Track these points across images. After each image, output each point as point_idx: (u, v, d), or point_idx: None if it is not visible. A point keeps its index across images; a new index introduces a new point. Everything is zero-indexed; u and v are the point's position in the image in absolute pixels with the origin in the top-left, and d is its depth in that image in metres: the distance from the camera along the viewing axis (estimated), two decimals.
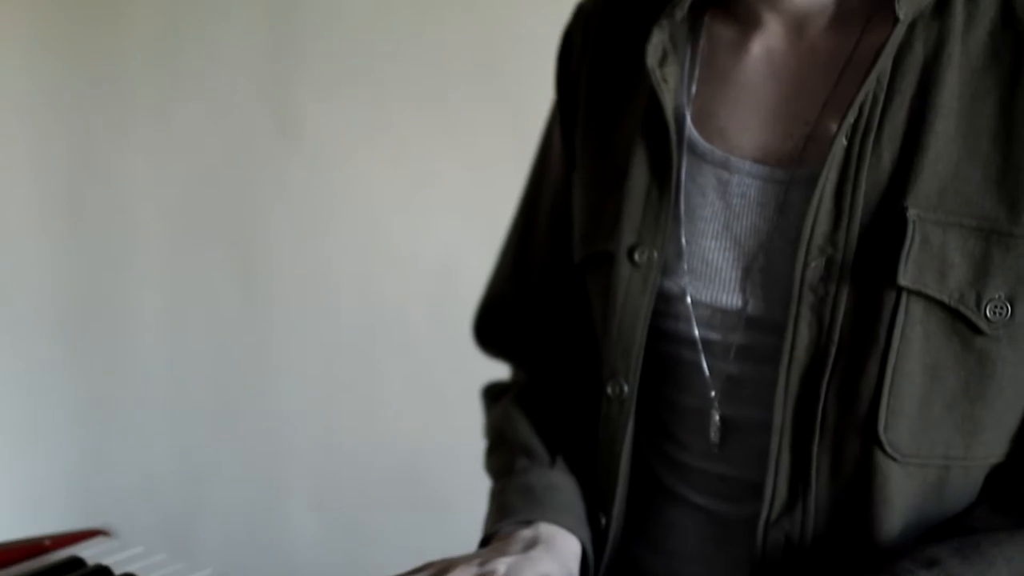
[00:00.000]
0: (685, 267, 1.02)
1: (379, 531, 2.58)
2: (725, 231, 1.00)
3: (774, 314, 0.97)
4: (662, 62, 1.03)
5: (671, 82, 1.03)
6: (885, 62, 0.92)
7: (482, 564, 0.95)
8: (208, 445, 2.94)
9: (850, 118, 0.92)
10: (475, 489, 1.14)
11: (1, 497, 3.21)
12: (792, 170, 0.97)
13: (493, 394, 1.27)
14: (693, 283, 1.02)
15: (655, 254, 1.02)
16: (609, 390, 1.06)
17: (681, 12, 1.02)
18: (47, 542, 1.08)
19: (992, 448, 0.94)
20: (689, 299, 1.02)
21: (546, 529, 1.03)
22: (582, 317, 1.14)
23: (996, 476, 0.95)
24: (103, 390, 3.11)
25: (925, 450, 0.92)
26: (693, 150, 1.03)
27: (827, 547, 0.96)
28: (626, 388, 1.05)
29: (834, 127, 0.95)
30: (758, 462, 0.98)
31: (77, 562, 1.04)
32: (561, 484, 1.09)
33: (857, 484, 0.94)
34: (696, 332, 1.02)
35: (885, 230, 0.91)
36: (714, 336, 1.02)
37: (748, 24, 1.03)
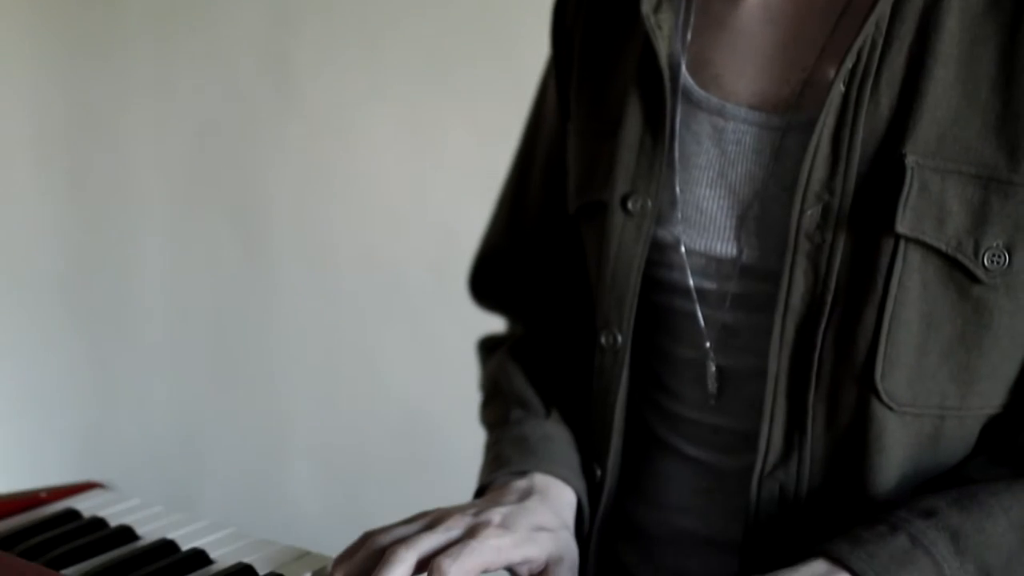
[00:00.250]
0: (679, 216, 1.01)
1: (380, 493, 2.59)
2: (720, 179, 1.00)
3: (769, 262, 0.96)
4: (656, 9, 1.02)
5: (665, 29, 1.02)
6: (884, 7, 0.90)
7: (476, 514, 0.94)
8: (209, 408, 2.95)
9: (848, 64, 0.91)
10: (476, 450, 1.14)
11: (2, 461, 3.22)
12: (788, 116, 0.96)
13: (489, 347, 1.27)
14: (687, 232, 1.01)
15: (649, 203, 1.02)
16: (603, 340, 1.06)
17: None
18: (43, 494, 1.08)
19: (988, 399, 0.93)
20: (683, 248, 1.01)
21: (541, 480, 1.03)
22: (577, 269, 1.14)
23: (993, 427, 0.95)
24: (105, 353, 3.12)
25: (921, 400, 0.92)
26: (688, 97, 1.02)
27: (822, 498, 0.95)
28: (619, 338, 1.04)
29: (832, 73, 0.94)
30: (752, 412, 0.98)
31: (73, 514, 1.04)
32: (556, 435, 1.09)
33: (853, 434, 0.93)
34: (690, 281, 1.02)
35: (883, 177, 0.90)
36: (709, 285, 1.01)
37: None
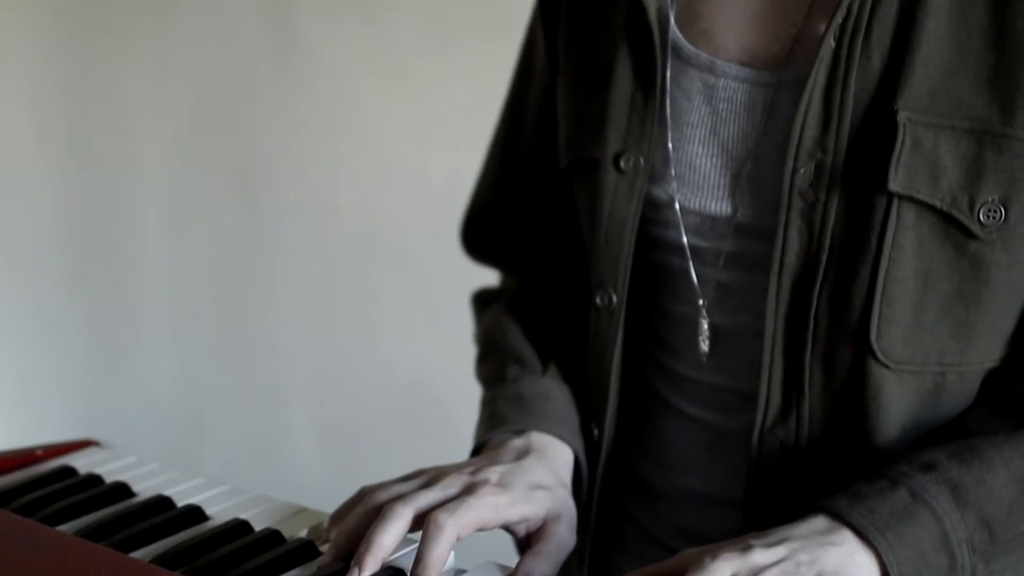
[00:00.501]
0: (673, 173, 1.01)
1: (380, 457, 2.59)
2: (712, 136, 0.99)
3: (764, 221, 0.95)
4: None
5: None
6: None
7: (473, 473, 0.95)
8: (210, 372, 2.95)
9: (838, 18, 0.90)
10: (476, 416, 1.14)
11: (2, 424, 3.23)
12: (779, 73, 0.95)
13: (483, 300, 1.26)
14: (681, 190, 1.01)
15: (641, 161, 1.01)
16: (598, 300, 1.06)
17: None
18: (39, 452, 1.08)
19: (988, 353, 0.93)
20: (678, 206, 1.01)
21: (538, 438, 1.03)
22: (570, 222, 1.13)
23: (993, 380, 0.95)
24: (105, 318, 3.12)
25: (919, 357, 0.92)
26: (677, 53, 1.01)
27: (823, 454, 0.95)
28: (615, 298, 1.04)
29: (822, 28, 0.93)
30: (750, 371, 0.98)
31: (69, 471, 1.05)
32: (553, 392, 1.09)
33: (851, 392, 0.93)
34: (685, 239, 1.01)
35: (875, 134, 0.90)
36: (703, 243, 1.01)
37: None
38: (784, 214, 0.92)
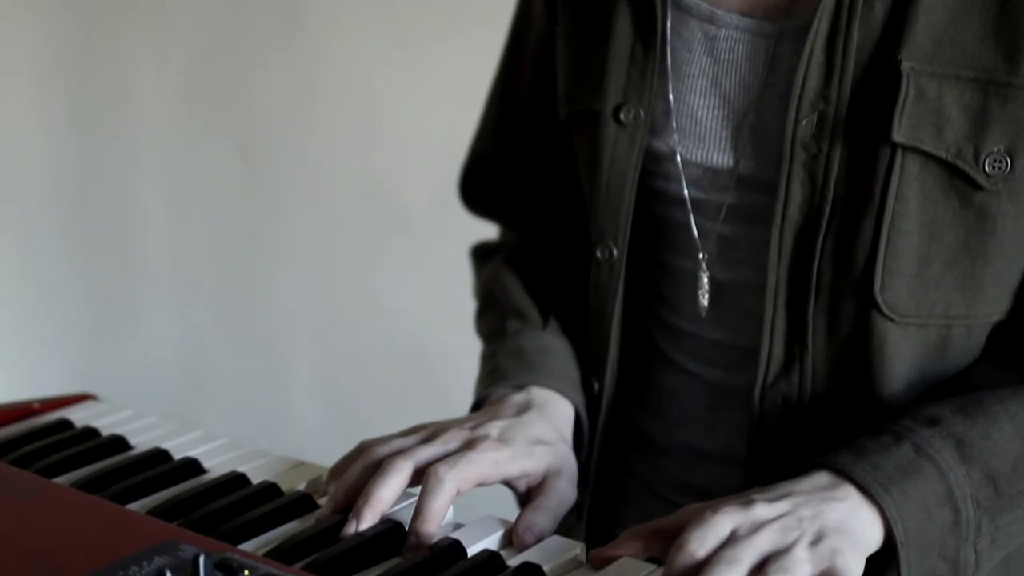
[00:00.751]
0: (674, 125, 1.00)
1: (381, 420, 2.59)
2: (714, 88, 0.98)
3: (766, 173, 0.94)
4: None
5: None
6: None
7: (474, 428, 0.94)
8: (211, 335, 2.95)
9: None
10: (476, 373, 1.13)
11: (3, 388, 3.22)
12: (781, 23, 0.94)
13: (482, 254, 1.25)
14: (683, 142, 1.00)
15: (641, 113, 1.00)
16: (598, 254, 1.05)
17: None
18: (36, 405, 1.08)
19: (994, 305, 0.92)
20: (679, 158, 1.00)
21: (539, 393, 1.03)
22: (569, 174, 1.12)
23: (998, 333, 0.94)
24: (106, 281, 3.12)
25: (925, 310, 0.91)
26: (678, 4, 0.99)
27: (826, 410, 0.95)
28: (615, 251, 1.03)
29: None
30: (751, 327, 0.97)
31: (65, 424, 1.04)
32: (554, 347, 1.08)
33: (854, 346, 0.93)
34: (686, 192, 1.00)
35: (879, 84, 0.89)
36: (704, 196, 1.00)
37: None
38: (786, 166, 0.91)
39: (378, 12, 2.49)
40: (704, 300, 1.02)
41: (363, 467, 0.90)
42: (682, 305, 1.05)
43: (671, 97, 1.00)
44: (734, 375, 1.03)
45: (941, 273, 0.90)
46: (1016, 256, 0.91)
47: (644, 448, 1.12)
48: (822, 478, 0.84)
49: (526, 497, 0.94)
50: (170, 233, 2.96)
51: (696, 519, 0.78)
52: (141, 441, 1.01)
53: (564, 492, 0.93)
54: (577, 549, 0.84)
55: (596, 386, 1.07)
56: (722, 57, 0.98)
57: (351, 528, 0.85)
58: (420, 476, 0.89)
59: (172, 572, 0.71)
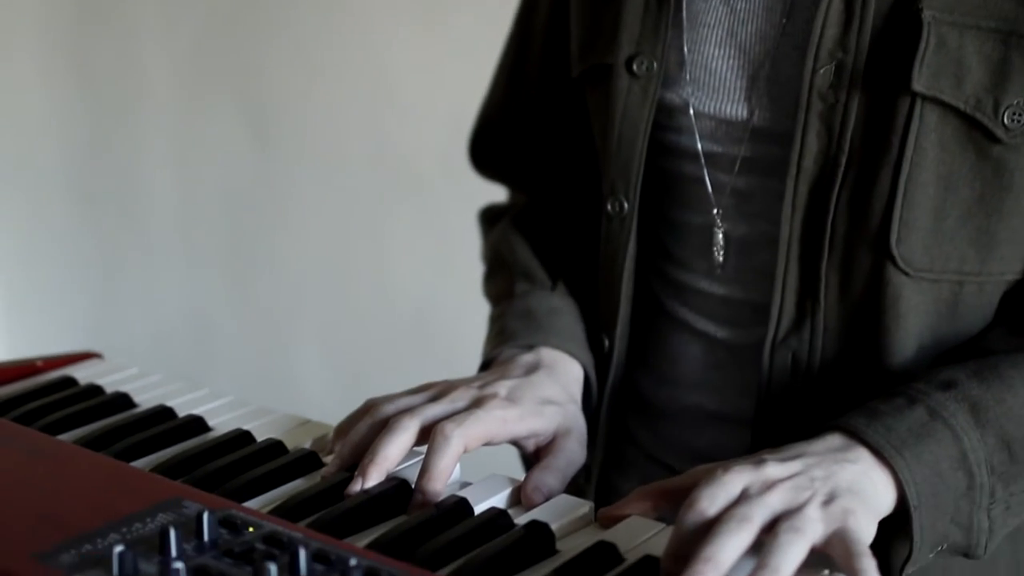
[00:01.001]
0: (687, 77, 0.98)
1: (387, 383, 2.58)
2: (730, 38, 0.96)
3: (781, 124, 0.93)
4: None
5: None
6: None
7: (482, 387, 0.93)
8: (217, 300, 2.95)
9: None
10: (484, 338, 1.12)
11: (7, 349, 3.23)
12: None
13: (490, 217, 1.24)
14: (696, 94, 0.98)
15: (655, 64, 0.98)
16: (609, 207, 1.03)
17: None
18: (39, 363, 1.07)
19: (1008, 264, 0.91)
20: (692, 111, 0.98)
21: (548, 354, 1.02)
22: (581, 135, 1.10)
23: (1012, 297, 0.93)
24: (112, 244, 3.12)
25: (939, 264, 0.90)
26: None
27: (837, 369, 0.93)
28: (626, 205, 1.02)
29: None
30: (763, 282, 0.96)
31: (69, 381, 1.04)
32: (562, 308, 1.07)
33: (868, 301, 0.91)
34: (699, 145, 0.99)
35: (899, 33, 0.87)
36: (718, 149, 0.98)
37: None
38: (803, 116, 0.90)
39: None
40: (720, 256, 1.00)
41: (369, 425, 0.90)
42: (691, 262, 1.04)
43: (685, 48, 0.98)
44: (742, 333, 1.01)
45: (955, 227, 0.89)
46: None
47: (644, 413, 1.11)
48: (835, 440, 0.82)
49: (534, 457, 0.93)
50: (178, 198, 2.96)
51: (707, 477, 0.77)
52: (145, 399, 1.00)
53: (573, 452, 0.92)
54: (586, 508, 0.83)
55: (607, 343, 1.06)
56: (739, 6, 0.96)
57: (356, 486, 0.84)
58: (427, 434, 0.88)
59: (176, 529, 0.71)
